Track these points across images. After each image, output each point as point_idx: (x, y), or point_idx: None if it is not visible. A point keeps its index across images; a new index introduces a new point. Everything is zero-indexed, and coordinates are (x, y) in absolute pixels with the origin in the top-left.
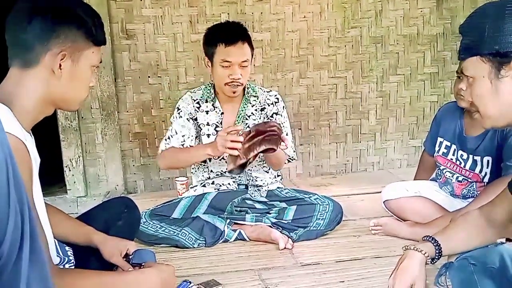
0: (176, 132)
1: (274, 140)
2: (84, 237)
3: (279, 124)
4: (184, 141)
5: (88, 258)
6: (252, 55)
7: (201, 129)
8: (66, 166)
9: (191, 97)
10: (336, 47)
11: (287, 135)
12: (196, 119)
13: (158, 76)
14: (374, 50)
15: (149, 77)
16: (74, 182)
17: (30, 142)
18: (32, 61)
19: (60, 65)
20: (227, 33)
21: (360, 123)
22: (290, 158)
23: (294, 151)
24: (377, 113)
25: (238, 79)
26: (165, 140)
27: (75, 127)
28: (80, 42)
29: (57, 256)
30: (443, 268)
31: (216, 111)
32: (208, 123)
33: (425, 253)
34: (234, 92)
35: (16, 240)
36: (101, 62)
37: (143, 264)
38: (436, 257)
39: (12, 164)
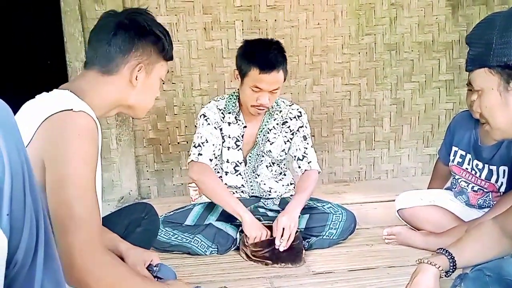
0: (207, 140)
1: (298, 258)
2: (109, 243)
3: (301, 236)
4: (214, 151)
5: None
6: (285, 79)
7: (224, 140)
8: None
9: (216, 106)
10: (350, 54)
11: (312, 147)
12: (221, 129)
13: (173, 83)
14: (388, 57)
15: (163, 83)
16: None
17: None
18: (112, 70)
19: (136, 76)
20: (265, 59)
21: (374, 130)
22: (318, 172)
23: (317, 162)
24: (391, 120)
25: (266, 104)
26: (195, 147)
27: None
28: (154, 56)
29: None
30: (458, 279)
31: (238, 124)
32: (229, 135)
33: (439, 266)
34: (258, 114)
35: (31, 246)
36: (168, 73)
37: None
38: (451, 270)
39: (28, 170)
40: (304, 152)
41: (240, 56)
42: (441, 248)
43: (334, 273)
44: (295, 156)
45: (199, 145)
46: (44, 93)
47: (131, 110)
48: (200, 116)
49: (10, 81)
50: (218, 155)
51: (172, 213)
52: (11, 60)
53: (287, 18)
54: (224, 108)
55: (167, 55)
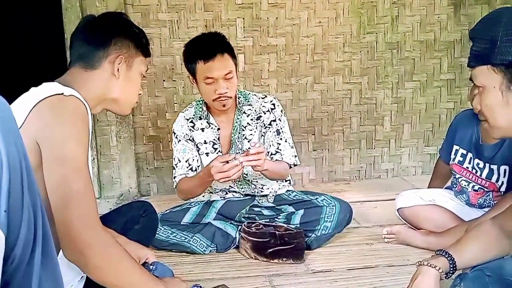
0: (179, 160)
1: (300, 255)
2: None
3: (303, 233)
4: (189, 165)
5: None
6: (236, 64)
7: (199, 148)
8: None
9: (184, 117)
10: (351, 53)
11: (286, 141)
12: (193, 139)
13: (173, 80)
14: (389, 56)
15: (164, 80)
16: None
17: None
18: (95, 65)
19: (118, 69)
20: (204, 48)
21: (374, 129)
22: (292, 165)
23: (295, 156)
24: (392, 119)
25: (225, 93)
26: (173, 169)
27: (91, 130)
28: (132, 50)
29: None
30: (458, 279)
31: (212, 128)
32: (205, 141)
33: (439, 268)
34: (224, 106)
35: (28, 242)
36: (147, 70)
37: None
38: (451, 272)
39: (26, 166)
40: (278, 148)
41: (185, 59)
42: (441, 250)
43: (333, 271)
44: (268, 152)
45: (173, 167)
46: (33, 88)
47: (115, 105)
48: (172, 134)
49: (11, 79)
50: (198, 166)
51: (168, 211)
52: (12, 58)
53: (289, 16)
54: (194, 115)
55: (145, 51)
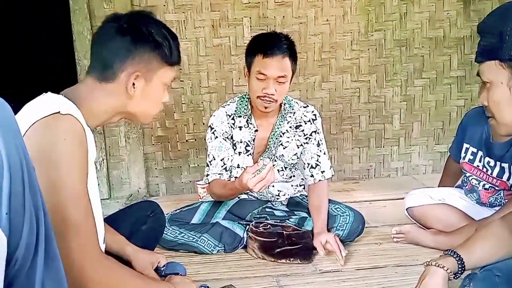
0: (214, 158)
1: (307, 255)
2: (116, 246)
3: (311, 234)
4: (224, 164)
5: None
6: (294, 72)
7: (236, 147)
8: None
9: (225, 112)
10: (359, 51)
11: (324, 154)
12: (232, 137)
13: (181, 80)
14: (398, 53)
15: (171, 81)
16: (98, 185)
17: (90, 135)
18: (109, 77)
19: (133, 84)
20: (268, 44)
21: (383, 127)
22: (329, 178)
23: (331, 167)
24: (401, 117)
25: (272, 94)
26: (207, 166)
27: (99, 130)
28: (154, 63)
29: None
30: (467, 279)
31: (250, 128)
32: (241, 140)
33: (447, 269)
34: (266, 108)
35: (31, 244)
36: (175, 79)
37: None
38: (459, 272)
39: (28, 168)
40: (317, 160)
41: (247, 50)
42: (449, 250)
43: (342, 272)
44: (308, 164)
45: (207, 164)
46: (38, 98)
47: (133, 117)
48: (208, 128)
49: (20, 81)
50: (232, 166)
51: (178, 211)
52: (21, 60)
53: (296, 14)
54: (235, 112)
55: (171, 61)
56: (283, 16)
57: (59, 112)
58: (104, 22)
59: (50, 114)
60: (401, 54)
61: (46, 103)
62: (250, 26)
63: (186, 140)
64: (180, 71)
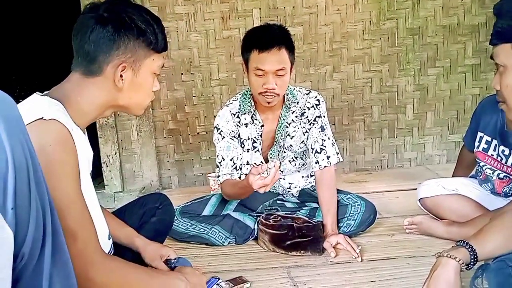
0: (223, 158)
1: (318, 246)
2: (126, 238)
3: (322, 225)
4: (234, 163)
5: (125, 252)
6: (293, 62)
7: (244, 145)
8: (104, 162)
9: (229, 111)
10: (371, 40)
11: (329, 138)
12: (239, 136)
13: (191, 73)
14: (411, 42)
15: (182, 74)
16: (111, 178)
17: (80, 136)
18: (95, 71)
19: (121, 76)
20: (262, 38)
21: (396, 117)
22: (336, 163)
23: (337, 153)
24: (414, 107)
25: (273, 89)
26: (217, 167)
27: (112, 124)
28: (140, 51)
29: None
30: (480, 270)
31: (255, 124)
32: (248, 137)
33: (459, 260)
34: (268, 103)
35: (38, 239)
36: (163, 66)
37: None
38: (472, 263)
39: (33, 163)
40: (322, 145)
41: (242, 46)
42: (461, 240)
43: (353, 263)
44: (312, 149)
45: (217, 166)
46: (22, 102)
47: (125, 110)
48: (214, 128)
49: (29, 76)
50: (241, 164)
51: (189, 203)
52: (30, 55)
53: (306, 4)
54: (239, 109)
55: (158, 47)
56: (293, 7)
57: (42, 118)
58: (82, 13)
59: (33, 121)
60: (414, 43)
61: (28, 108)
62: (260, 17)
63: (198, 133)
64: (191, 63)
